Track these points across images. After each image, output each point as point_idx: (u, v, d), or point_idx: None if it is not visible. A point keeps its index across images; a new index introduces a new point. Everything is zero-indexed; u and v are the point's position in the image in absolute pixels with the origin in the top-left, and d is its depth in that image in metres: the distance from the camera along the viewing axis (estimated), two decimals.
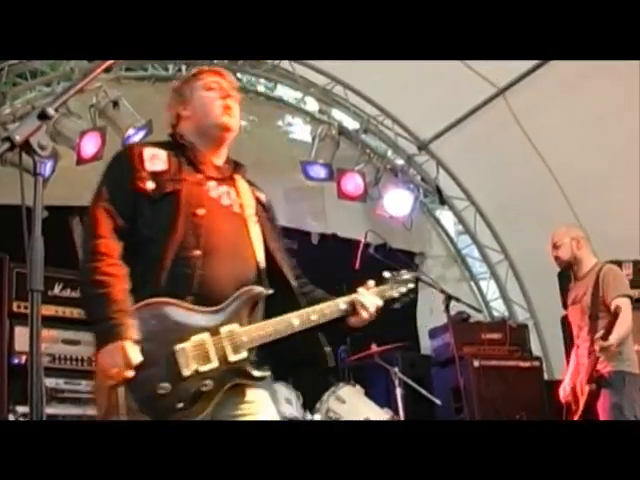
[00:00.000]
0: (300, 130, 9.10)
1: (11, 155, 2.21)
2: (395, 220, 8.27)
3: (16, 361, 5.35)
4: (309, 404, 5.81)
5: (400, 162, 8.75)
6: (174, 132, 2.97)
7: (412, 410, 6.18)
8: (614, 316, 4.87)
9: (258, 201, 2.98)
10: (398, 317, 8.43)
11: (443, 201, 8.67)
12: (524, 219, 8.07)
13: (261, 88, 9.40)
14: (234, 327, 2.64)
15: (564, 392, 5.31)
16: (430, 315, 8.31)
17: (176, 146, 2.89)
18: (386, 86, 7.84)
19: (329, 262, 7.76)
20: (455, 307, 6.33)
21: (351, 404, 5.75)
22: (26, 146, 2.03)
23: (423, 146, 8.48)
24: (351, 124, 8.61)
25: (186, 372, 2.54)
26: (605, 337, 4.84)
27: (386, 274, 3.11)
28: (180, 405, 2.52)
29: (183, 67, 7.58)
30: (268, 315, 2.77)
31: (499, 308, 9.27)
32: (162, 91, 6.47)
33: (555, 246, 5.42)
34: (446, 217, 9.51)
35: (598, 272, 5.21)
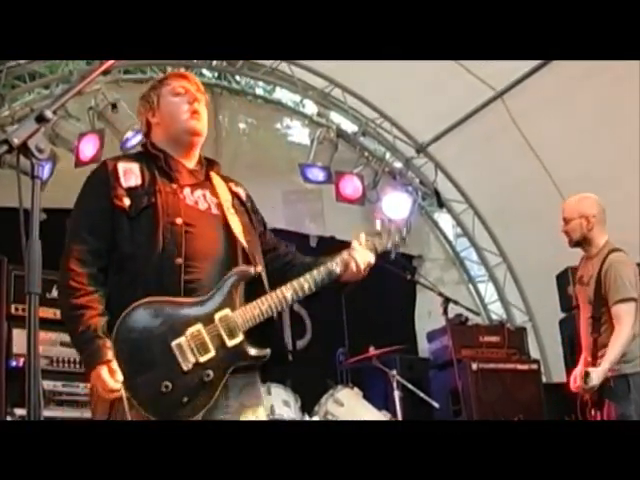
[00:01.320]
0: (298, 133, 9.11)
1: (9, 158, 2.22)
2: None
3: (14, 364, 5.34)
4: (307, 407, 5.80)
5: (398, 165, 8.76)
6: (146, 141, 3.00)
7: (410, 413, 6.18)
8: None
9: (234, 195, 3.01)
10: (396, 320, 8.50)
11: (441, 204, 8.66)
12: (522, 222, 8.07)
13: (259, 91, 9.43)
14: (227, 312, 2.67)
15: (574, 382, 4.86)
16: (428, 318, 8.32)
17: (149, 156, 2.91)
18: (384, 89, 7.85)
19: None
20: (453, 310, 6.34)
21: (349, 407, 5.74)
22: (24, 149, 2.03)
23: (421, 149, 8.48)
24: (349, 127, 8.62)
25: (186, 366, 2.57)
26: (585, 379, 4.50)
27: (378, 225, 3.11)
28: (185, 399, 2.56)
29: (182, 70, 7.59)
30: None
31: (497, 311, 9.27)
32: None
33: (565, 220, 4.96)
34: (444, 220, 9.51)
35: (603, 261, 4.78)
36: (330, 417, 5.64)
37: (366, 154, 8.61)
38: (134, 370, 2.54)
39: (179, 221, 2.74)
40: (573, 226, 4.93)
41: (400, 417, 5.89)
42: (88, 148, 6.33)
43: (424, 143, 8.42)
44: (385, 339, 6.48)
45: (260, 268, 2.80)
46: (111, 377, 2.51)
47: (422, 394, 6.24)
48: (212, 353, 2.61)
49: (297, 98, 8.87)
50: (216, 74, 8.34)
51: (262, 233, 3.06)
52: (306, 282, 2.81)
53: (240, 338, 2.65)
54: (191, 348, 2.59)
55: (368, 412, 5.77)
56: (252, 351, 2.68)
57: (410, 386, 6.20)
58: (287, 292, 2.77)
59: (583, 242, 4.94)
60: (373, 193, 8.37)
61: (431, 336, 7.86)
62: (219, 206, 2.88)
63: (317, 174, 7.83)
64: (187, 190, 2.85)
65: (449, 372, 6.77)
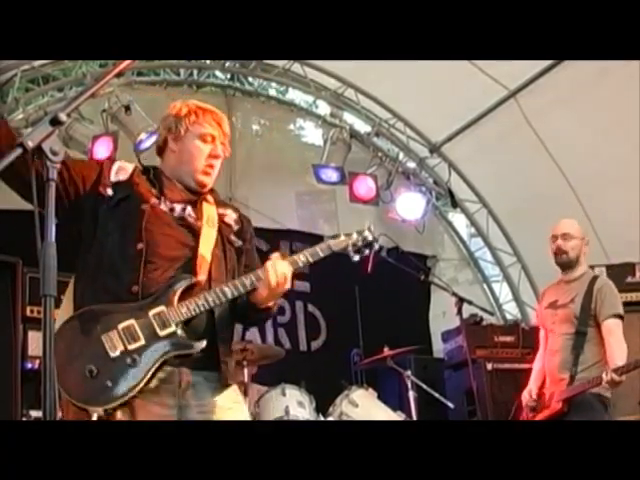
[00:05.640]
0: (312, 133, 9.13)
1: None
2: (407, 223, 8.27)
3: (29, 366, 5.36)
4: (322, 408, 5.80)
5: (412, 165, 8.75)
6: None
7: (425, 413, 6.17)
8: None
9: (221, 220, 3.00)
10: (411, 320, 8.50)
11: (455, 204, 8.65)
12: (536, 221, 8.02)
13: (272, 92, 9.43)
14: (161, 308, 2.69)
15: (529, 396, 5.13)
16: (443, 318, 8.32)
17: (147, 170, 2.98)
18: (398, 89, 7.84)
19: (341, 265, 7.75)
20: (468, 310, 6.32)
21: (364, 407, 5.73)
22: (38, 151, 2.04)
23: (435, 149, 8.47)
24: (363, 127, 8.62)
25: (113, 353, 2.60)
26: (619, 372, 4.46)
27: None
28: (109, 383, 2.57)
29: (194, 71, 7.61)
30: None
31: (512, 311, 9.25)
32: (174, 96, 6.49)
33: (565, 237, 4.98)
34: (458, 220, 9.51)
35: (591, 283, 4.88)
36: (345, 418, 5.63)
37: (379, 154, 8.60)
38: (65, 362, 2.55)
39: (145, 206, 2.80)
40: (575, 244, 5.00)
41: (415, 417, 5.88)
42: (102, 150, 6.35)
43: (437, 143, 8.41)
44: (400, 339, 6.48)
45: (201, 278, 2.79)
46: None
47: (437, 394, 6.22)
48: (142, 342, 2.63)
49: (310, 99, 8.87)
50: (229, 76, 8.35)
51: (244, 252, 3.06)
52: (247, 279, 2.81)
53: (172, 328, 2.67)
54: (121, 338, 2.62)
55: (383, 413, 5.76)
56: (187, 342, 2.69)
57: (425, 386, 6.18)
58: (226, 287, 2.77)
59: (575, 263, 5.01)
60: (387, 193, 8.35)
61: (446, 336, 7.86)
62: (196, 220, 2.90)
63: (330, 175, 7.82)
64: (168, 202, 2.90)
65: (464, 372, 6.75)
